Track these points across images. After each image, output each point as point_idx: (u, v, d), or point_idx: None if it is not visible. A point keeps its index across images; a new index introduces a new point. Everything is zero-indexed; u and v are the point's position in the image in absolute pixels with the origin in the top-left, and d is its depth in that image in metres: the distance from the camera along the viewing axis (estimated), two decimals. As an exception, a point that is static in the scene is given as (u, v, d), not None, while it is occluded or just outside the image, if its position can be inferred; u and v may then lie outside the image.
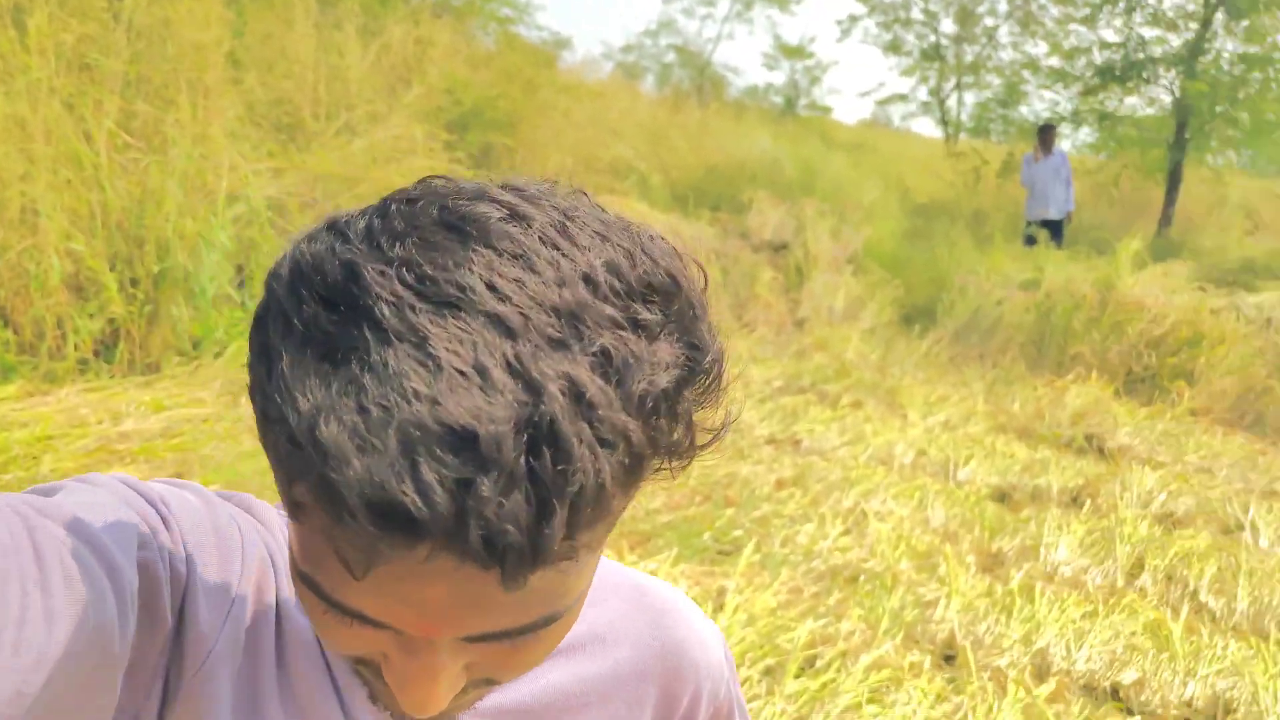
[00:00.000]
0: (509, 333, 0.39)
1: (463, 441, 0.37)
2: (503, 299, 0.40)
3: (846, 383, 6.22)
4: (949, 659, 3.30)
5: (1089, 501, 4.81)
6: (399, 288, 0.40)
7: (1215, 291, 7.52)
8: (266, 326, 0.43)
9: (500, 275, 0.41)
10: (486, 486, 0.37)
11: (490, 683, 0.51)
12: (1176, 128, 10.96)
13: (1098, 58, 11.91)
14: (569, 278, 0.42)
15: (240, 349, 4.64)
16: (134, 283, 4.46)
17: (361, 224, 0.44)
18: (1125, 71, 11.34)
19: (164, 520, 0.52)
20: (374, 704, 0.57)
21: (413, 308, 0.39)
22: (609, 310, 0.42)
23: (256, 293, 4.97)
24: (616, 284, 0.43)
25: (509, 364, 0.38)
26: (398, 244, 0.42)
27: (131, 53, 4.91)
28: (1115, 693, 3.25)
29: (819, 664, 3.02)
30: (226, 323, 4.75)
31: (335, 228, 0.45)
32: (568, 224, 0.44)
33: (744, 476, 4.41)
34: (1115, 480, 5.14)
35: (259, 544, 0.59)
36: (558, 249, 0.43)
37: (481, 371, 0.38)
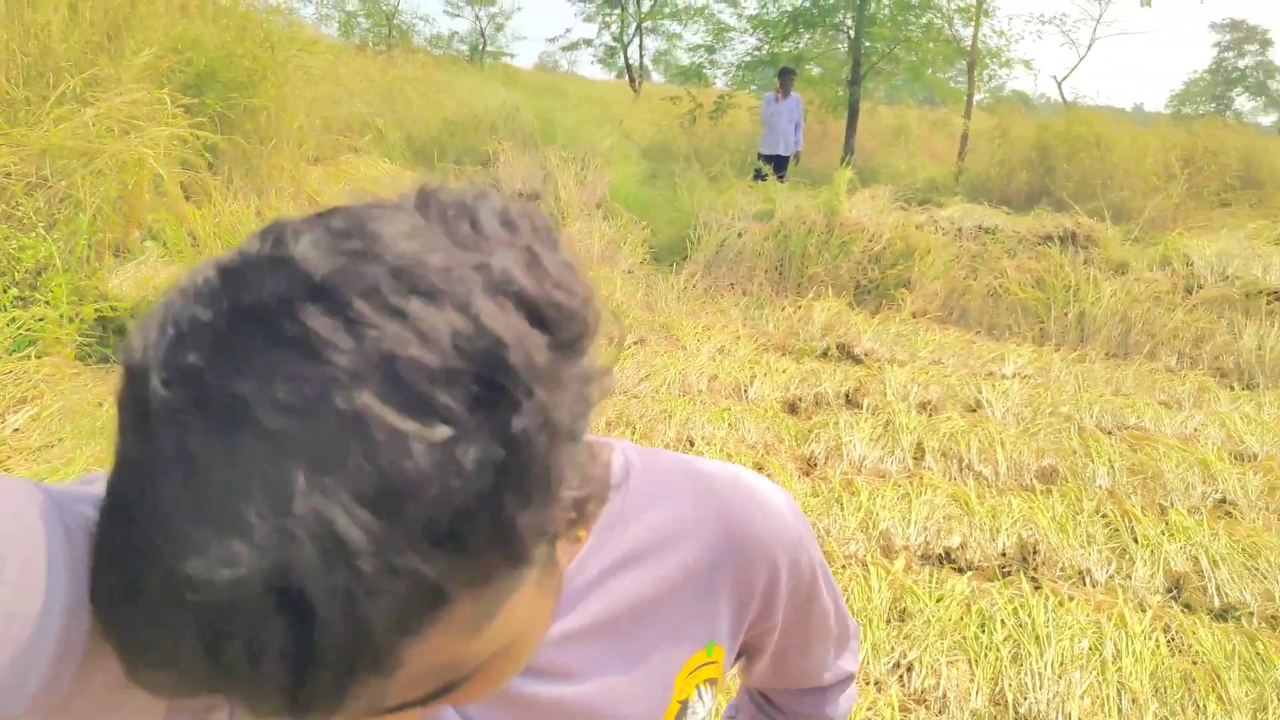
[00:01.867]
0: (278, 450, 0.34)
1: (208, 601, 0.34)
2: (276, 408, 0.35)
3: (625, 323, 6.45)
4: (809, 554, 3.63)
5: (864, 401, 5.38)
6: (179, 402, 0.36)
7: (913, 210, 8.52)
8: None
9: (280, 376, 0.35)
10: (234, 650, 0.35)
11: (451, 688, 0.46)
12: (853, 67, 12.17)
13: (787, 5, 12.92)
14: (359, 371, 0.35)
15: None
16: None
17: (176, 310, 0.39)
18: (811, 19, 12.39)
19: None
20: None
21: (189, 426, 0.35)
22: (394, 419, 0.35)
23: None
24: (422, 364, 0.36)
25: (271, 497, 0.34)
26: (189, 343, 0.37)
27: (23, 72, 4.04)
28: (947, 556, 3.75)
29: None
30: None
31: (163, 305, 0.40)
32: (388, 286, 0.37)
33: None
34: (875, 380, 5.77)
35: None
36: (360, 326, 0.36)
37: (237, 511, 0.34)
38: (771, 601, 0.72)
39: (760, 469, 4.34)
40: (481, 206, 0.44)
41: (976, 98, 13.14)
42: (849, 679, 0.91)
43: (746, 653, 0.78)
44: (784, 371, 5.88)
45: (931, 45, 11.93)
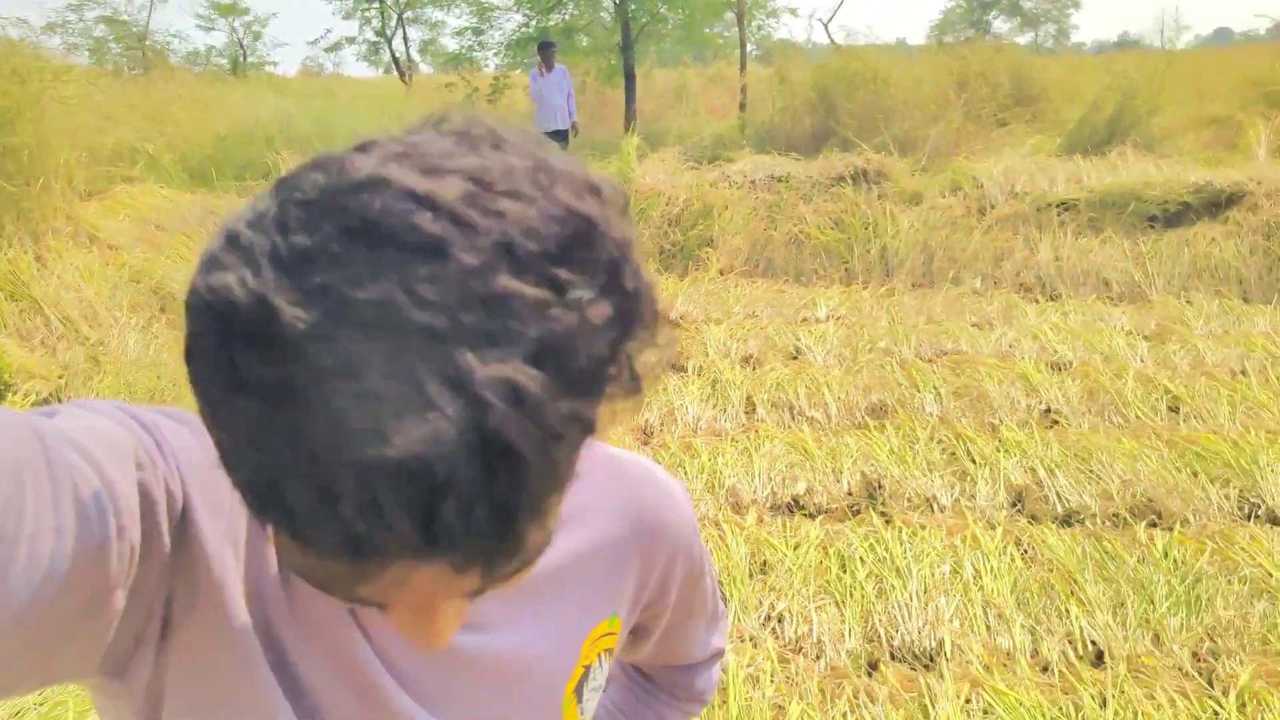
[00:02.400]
0: (439, 339, 0.38)
1: (418, 472, 0.37)
2: (424, 305, 0.39)
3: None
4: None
5: (689, 363, 5.25)
6: (321, 319, 0.39)
7: (704, 168, 8.49)
8: (196, 366, 0.42)
9: (418, 278, 0.39)
10: (449, 511, 0.38)
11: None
12: (622, 33, 12.04)
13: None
14: (489, 258, 0.40)
15: None
16: None
17: (265, 244, 0.41)
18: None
19: (158, 445, 0.52)
20: None
21: (338, 338, 0.38)
22: (533, 291, 0.40)
23: None
24: (535, 249, 0.41)
25: (447, 378, 0.38)
26: (306, 266, 0.40)
27: None
28: (796, 504, 3.65)
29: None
30: None
31: (238, 245, 0.42)
32: (475, 192, 0.42)
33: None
34: (695, 341, 5.66)
35: None
36: (471, 226, 0.41)
37: (421, 392, 0.38)
38: (667, 585, 0.79)
39: (594, 446, 4.13)
40: (490, 125, 0.47)
41: (749, 50, 13.35)
42: (718, 655, 0.98)
43: (636, 632, 0.84)
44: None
45: (697, 1, 11.97)
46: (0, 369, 4.43)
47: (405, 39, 18.28)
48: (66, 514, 0.42)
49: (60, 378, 4.72)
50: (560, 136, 9.71)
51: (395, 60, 19.71)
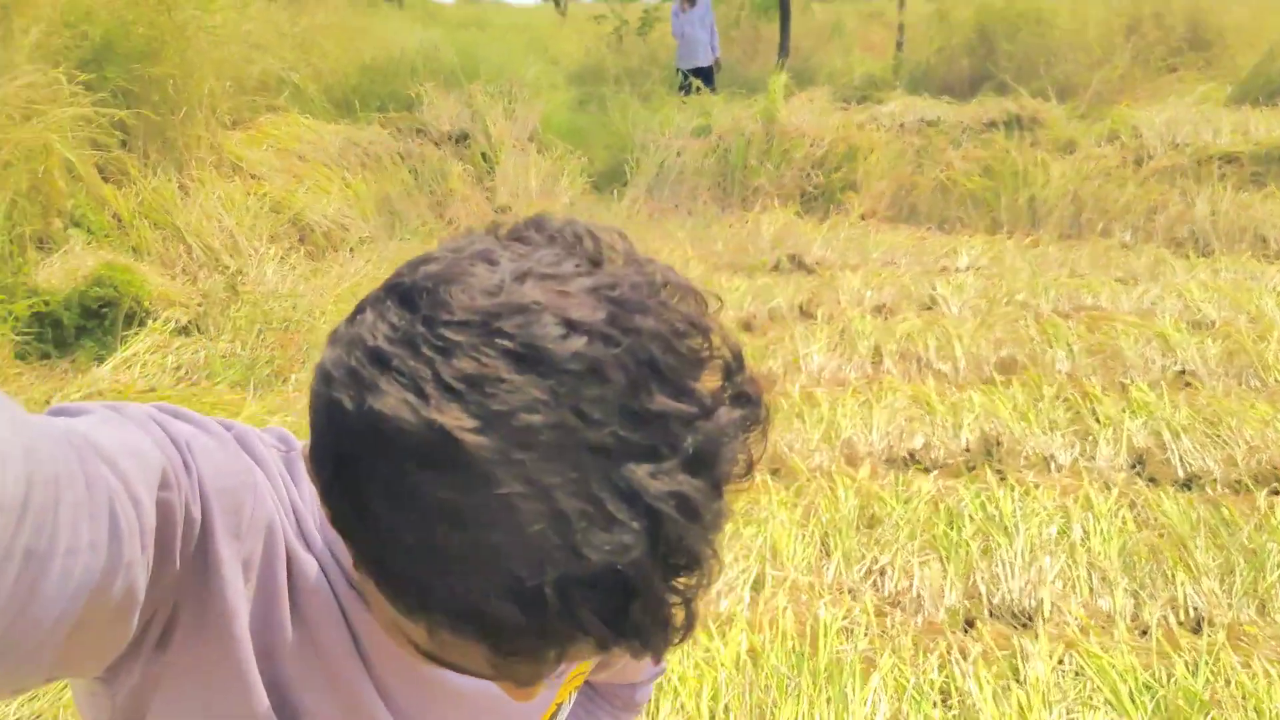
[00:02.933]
0: (609, 457, 0.43)
1: (613, 581, 0.42)
2: (593, 424, 0.43)
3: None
4: (775, 471, 3.61)
5: (818, 311, 5.32)
6: (503, 445, 0.42)
7: (853, 109, 8.37)
8: (359, 486, 0.44)
9: (584, 399, 0.43)
10: (638, 609, 0.43)
11: None
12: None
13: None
14: (639, 379, 0.44)
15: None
16: None
17: (426, 370, 0.43)
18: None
19: (185, 464, 0.53)
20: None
21: (522, 462, 0.42)
22: (681, 406, 0.45)
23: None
24: (675, 363, 0.46)
25: (622, 493, 0.43)
26: (478, 393, 0.42)
27: None
28: (912, 457, 3.73)
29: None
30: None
31: (390, 368, 0.44)
32: (615, 313, 0.45)
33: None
34: (829, 288, 5.71)
35: (266, 488, 0.60)
36: (618, 345, 0.44)
37: (600, 507, 0.42)
38: None
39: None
40: (585, 228, 0.52)
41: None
42: (660, 673, 1.05)
43: (598, 665, 0.89)
44: (736, 290, 5.80)
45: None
46: (140, 296, 4.64)
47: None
48: (100, 530, 0.43)
49: (199, 305, 4.90)
50: (704, 74, 9.70)
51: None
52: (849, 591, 2.93)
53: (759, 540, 3.07)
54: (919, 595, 2.90)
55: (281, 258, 5.68)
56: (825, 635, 2.66)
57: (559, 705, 0.79)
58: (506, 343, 0.43)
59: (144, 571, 0.48)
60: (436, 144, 7.31)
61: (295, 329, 4.97)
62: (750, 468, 0.50)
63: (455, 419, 0.42)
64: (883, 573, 3.01)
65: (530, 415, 0.42)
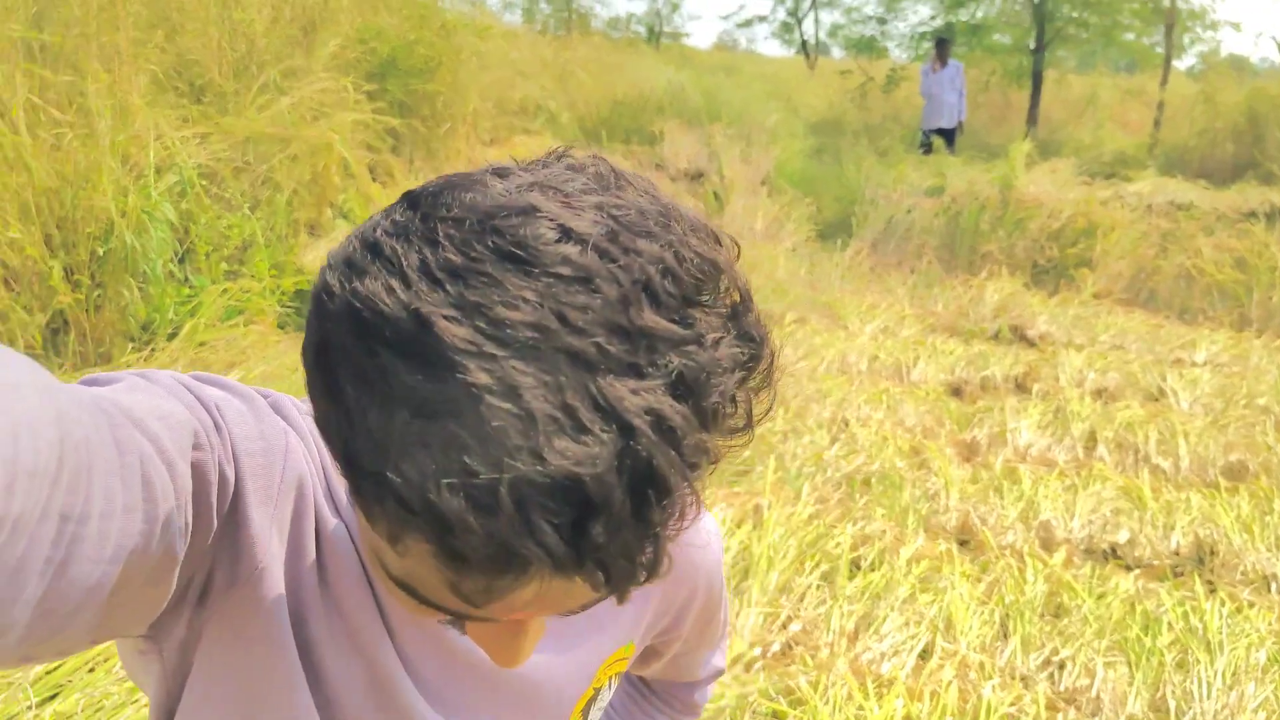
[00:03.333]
0: (589, 366, 0.41)
1: (572, 490, 0.40)
2: (575, 331, 0.41)
3: (786, 300, 6.41)
4: (964, 543, 3.55)
5: (1034, 386, 5.15)
6: (477, 336, 0.41)
7: (1098, 184, 8.04)
8: (333, 368, 0.44)
9: (568, 305, 0.41)
10: (598, 530, 0.40)
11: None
12: (1036, 34, 11.53)
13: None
14: (631, 295, 0.43)
15: (193, 331, 4.43)
16: (73, 269, 4.19)
17: (414, 258, 0.43)
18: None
19: (216, 425, 0.53)
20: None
21: (494, 356, 0.40)
22: (673, 328, 0.43)
23: (201, 267, 4.75)
24: (673, 289, 0.44)
25: (596, 403, 0.40)
26: (460, 284, 0.42)
27: (31, 15, 4.51)
28: (1113, 552, 3.57)
29: (864, 564, 3.20)
30: (174, 302, 4.52)
31: (381, 255, 0.44)
32: (616, 230, 0.44)
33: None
34: (1048, 364, 5.51)
35: (299, 451, 0.60)
36: (614, 261, 0.43)
37: (572, 415, 0.40)
38: (683, 617, 0.82)
39: (917, 453, 4.26)
40: (611, 165, 0.51)
41: (1185, 63, 12.24)
42: (719, 673, 1.00)
43: (646, 654, 0.86)
44: (950, 353, 5.71)
45: (1126, 6, 11.08)
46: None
47: (816, 21, 18.65)
48: (134, 492, 0.43)
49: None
50: (947, 135, 9.59)
51: (804, 41, 20.12)
52: (1022, 679, 2.85)
53: (934, 609, 3.05)
54: (1098, 696, 2.78)
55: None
56: (988, 717, 2.61)
57: (596, 690, 0.76)
58: (497, 239, 0.43)
59: (181, 534, 0.48)
60: (673, 179, 7.60)
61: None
62: (750, 420, 0.48)
63: (432, 306, 0.41)
64: (1062, 666, 2.91)
65: (510, 311, 0.41)
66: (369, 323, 0.42)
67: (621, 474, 0.40)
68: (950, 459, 4.24)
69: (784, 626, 2.88)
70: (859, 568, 3.21)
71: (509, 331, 0.40)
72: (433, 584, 0.46)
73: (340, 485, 0.62)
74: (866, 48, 13.54)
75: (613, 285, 0.42)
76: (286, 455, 0.58)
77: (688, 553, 0.77)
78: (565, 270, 0.42)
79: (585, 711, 0.75)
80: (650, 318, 0.43)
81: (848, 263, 7.33)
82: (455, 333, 0.40)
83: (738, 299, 0.48)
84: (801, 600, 3.00)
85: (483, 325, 0.41)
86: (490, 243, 0.43)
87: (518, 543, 0.39)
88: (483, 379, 0.40)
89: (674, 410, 0.42)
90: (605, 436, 0.40)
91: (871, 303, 6.67)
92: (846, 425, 4.47)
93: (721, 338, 0.45)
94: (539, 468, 0.39)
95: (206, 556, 0.54)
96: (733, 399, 0.46)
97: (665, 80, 8.31)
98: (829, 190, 8.27)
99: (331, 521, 0.61)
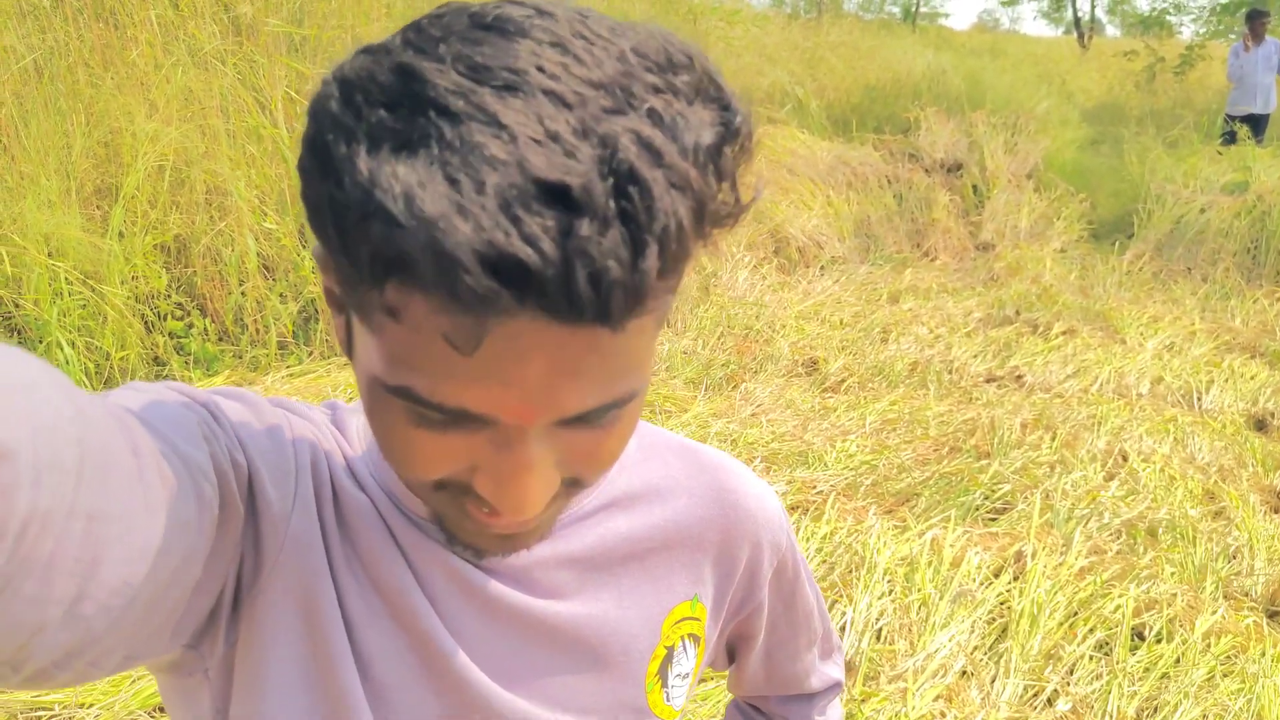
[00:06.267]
0: (567, 105, 0.41)
1: (555, 193, 0.40)
2: (554, 78, 0.42)
3: (1054, 309, 5.78)
4: (1275, 615, 2.96)
5: (1364, 425, 4.33)
6: (458, 78, 0.42)
7: None
8: (324, 144, 0.43)
9: (546, 60, 0.43)
10: (585, 228, 0.39)
11: (576, 484, 0.54)
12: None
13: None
14: (604, 59, 0.44)
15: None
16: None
17: (397, 39, 0.45)
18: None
19: (216, 418, 0.55)
20: (453, 547, 0.60)
21: (474, 92, 0.41)
22: (649, 78, 0.44)
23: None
24: (647, 61, 0.45)
25: (576, 129, 0.41)
26: (442, 45, 0.43)
27: (293, 11, 4.71)
28: None
29: (1149, 634, 2.72)
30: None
31: (370, 49, 0.46)
32: (585, 20, 0.46)
33: (983, 422, 4.08)
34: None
35: (306, 433, 0.62)
36: (586, 38, 0.44)
37: (554, 136, 0.40)
38: (755, 578, 0.78)
39: (1212, 498, 3.64)
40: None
41: None
42: (836, 687, 0.95)
43: (737, 643, 0.84)
44: (1252, 378, 4.93)
45: None
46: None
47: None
48: (154, 492, 0.45)
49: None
50: (1255, 122, 8.38)
51: (1077, 20, 18.55)
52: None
53: (1240, 700, 2.52)
54: None
55: (755, 266, 5.85)
56: None
57: (669, 650, 0.73)
58: (475, 18, 0.45)
59: (205, 529, 0.49)
60: (927, 171, 7.09)
61: (754, 338, 5.08)
62: (739, 202, 0.47)
63: (415, 60, 0.43)
64: None
65: (489, 59, 0.42)
66: (357, 86, 0.43)
67: (604, 180, 0.40)
68: (1255, 508, 3.60)
69: (1049, 703, 2.47)
70: (1142, 638, 2.73)
71: (489, 74, 0.42)
72: (428, 354, 0.45)
73: (365, 466, 0.64)
74: (1156, 24, 12.16)
75: (587, 53, 0.44)
76: (294, 438, 0.60)
77: (743, 499, 0.75)
78: (542, 36, 0.43)
79: (663, 675, 0.73)
80: (625, 71, 0.44)
81: (1126, 268, 6.54)
82: (438, 77, 0.42)
83: (715, 78, 0.47)
84: (1071, 673, 2.57)
85: (463, 70, 0.42)
86: (468, 20, 0.45)
87: (505, 241, 0.39)
88: (462, 107, 0.41)
89: (654, 132, 0.42)
90: (588, 151, 0.41)
91: (1154, 314, 5.90)
92: (1125, 460, 3.90)
93: (695, 99, 0.45)
94: (523, 174, 0.40)
95: (237, 549, 0.55)
96: (713, 156, 0.44)
97: (923, 64, 7.74)
98: (1106, 185, 7.42)
99: (357, 496, 0.62)
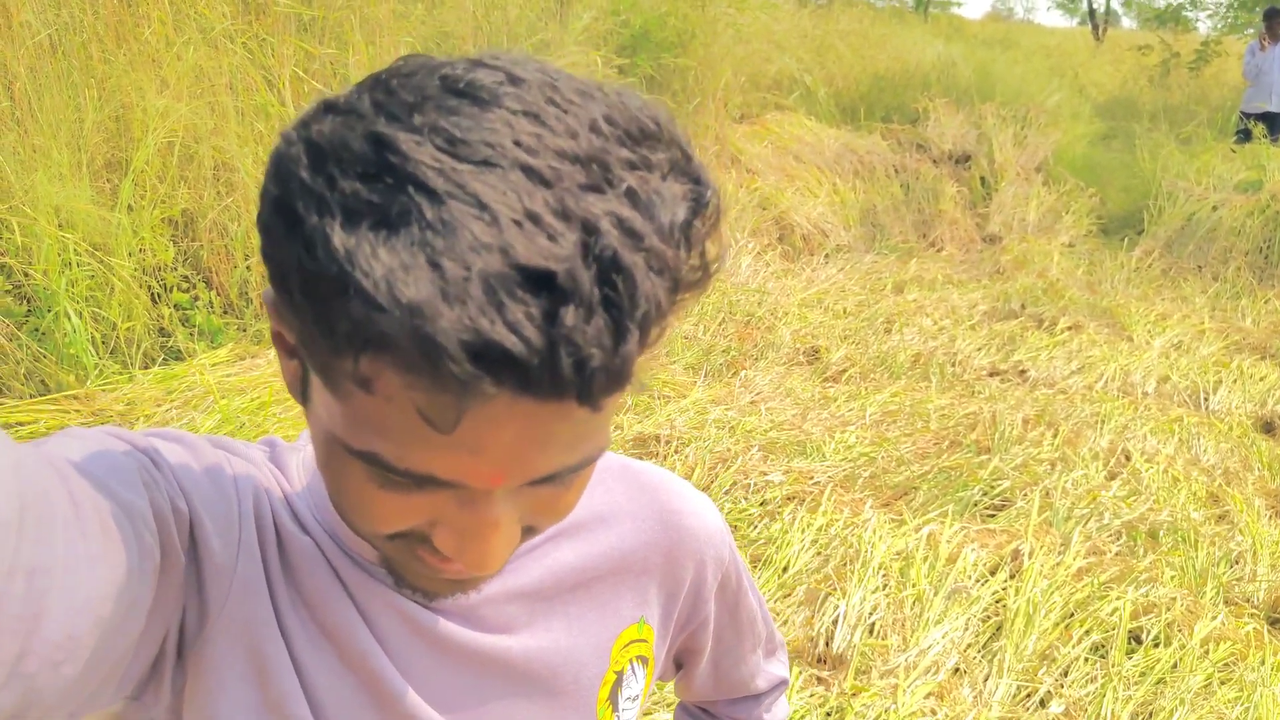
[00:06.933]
0: (545, 182, 0.41)
1: (540, 280, 0.39)
2: (531, 152, 0.41)
3: (1060, 304, 5.71)
4: (1275, 622, 2.91)
5: (1372, 430, 4.26)
6: (435, 152, 0.41)
7: None
8: (292, 208, 0.42)
9: (521, 131, 0.42)
10: (570, 316, 0.39)
11: (530, 531, 0.53)
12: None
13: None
14: (578, 130, 0.43)
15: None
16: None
17: (366, 101, 0.44)
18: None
19: (154, 463, 0.54)
20: (401, 589, 0.60)
21: (454, 169, 0.40)
22: (622, 152, 0.43)
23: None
24: (618, 130, 0.44)
25: (556, 209, 0.40)
26: (416, 114, 0.42)
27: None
28: None
29: (1146, 638, 2.66)
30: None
31: (336, 109, 0.45)
32: (555, 84, 0.45)
33: (985, 417, 4.02)
34: (1391, 403, 4.56)
35: (247, 477, 0.61)
36: (558, 105, 0.44)
37: (535, 218, 0.40)
38: (700, 594, 0.79)
39: (1216, 501, 3.58)
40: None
41: None
42: (782, 684, 0.96)
43: (684, 657, 0.85)
44: (1262, 379, 4.86)
45: None
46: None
47: (1109, -11, 16.96)
48: (94, 542, 0.44)
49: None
50: (1271, 120, 8.27)
51: (1092, 11, 18.40)
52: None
53: (1237, 709, 2.47)
54: None
55: (758, 253, 5.78)
56: None
57: (618, 674, 0.73)
58: (449, 83, 0.44)
59: (147, 578, 0.48)
60: (935, 162, 7.01)
61: (756, 325, 5.02)
62: (707, 270, 0.47)
63: (390, 129, 0.42)
64: None
65: (467, 132, 0.41)
66: (327, 152, 0.42)
67: (589, 267, 0.40)
68: (1259, 513, 3.54)
69: (1042, 704, 2.43)
70: (1139, 642, 2.67)
71: (466, 148, 0.41)
72: (399, 425, 0.44)
73: (306, 506, 0.63)
74: (1171, 18, 12.01)
75: (560, 123, 0.43)
76: (233, 477, 0.59)
77: (684, 517, 0.76)
78: (516, 106, 0.43)
79: (613, 700, 0.73)
80: (600, 145, 0.43)
81: (1135, 264, 6.46)
82: (414, 150, 0.41)
83: (683, 148, 0.47)
84: (1065, 675, 2.52)
85: (441, 144, 0.41)
86: (440, 83, 0.44)
87: (490, 329, 0.38)
88: (442, 185, 0.40)
89: (633, 214, 0.42)
90: (570, 236, 0.40)
91: (1162, 312, 5.83)
92: (1128, 459, 3.84)
93: (668, 174, 0.45)
94: (507, 261, 0.39)
95: (179, 596, 0.54)
96: (685, 232, 0.44)
97: (933, 54, 7.65)
98: (1117, 180, 7.33)
99: (299, 539, 0.61)
